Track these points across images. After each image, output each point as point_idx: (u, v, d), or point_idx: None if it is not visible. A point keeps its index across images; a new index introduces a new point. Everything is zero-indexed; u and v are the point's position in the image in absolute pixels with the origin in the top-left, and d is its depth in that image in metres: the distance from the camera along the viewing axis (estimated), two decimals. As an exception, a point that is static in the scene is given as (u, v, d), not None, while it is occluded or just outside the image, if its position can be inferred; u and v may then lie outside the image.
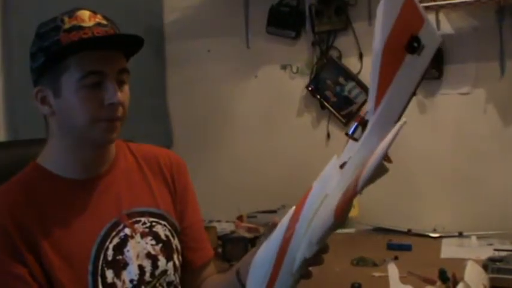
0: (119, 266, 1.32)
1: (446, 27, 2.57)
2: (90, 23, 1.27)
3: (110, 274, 1.30)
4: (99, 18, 1.29)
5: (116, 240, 1.33)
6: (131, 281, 1.32)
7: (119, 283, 1.30)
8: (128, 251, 1.33)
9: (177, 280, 1.43)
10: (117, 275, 1.31)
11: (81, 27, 1.26)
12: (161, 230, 1.40)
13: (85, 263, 1.28)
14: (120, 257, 1.32)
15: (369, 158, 0.93)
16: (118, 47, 1.30)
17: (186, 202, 1.50)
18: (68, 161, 1.34)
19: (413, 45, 1.01)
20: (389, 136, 0.91)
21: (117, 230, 1.34)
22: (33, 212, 1.27)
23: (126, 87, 1.32)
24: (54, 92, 1.28)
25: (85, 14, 1.28)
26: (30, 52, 1.30)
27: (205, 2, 3.03)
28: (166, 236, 1.41)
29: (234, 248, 2.35)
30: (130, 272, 1.32)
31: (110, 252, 1.31)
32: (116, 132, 1.31)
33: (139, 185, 1.43)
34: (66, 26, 1.26)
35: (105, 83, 1.26)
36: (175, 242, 1.43)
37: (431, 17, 2.59)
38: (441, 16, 2.56)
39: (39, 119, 1.36)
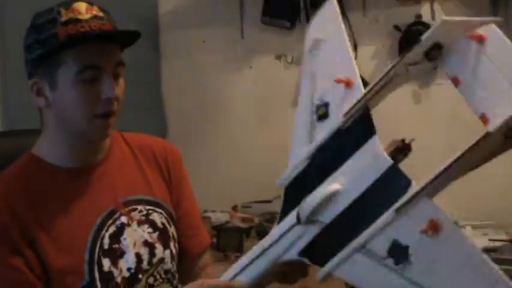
0: (115, 254, 1.32)
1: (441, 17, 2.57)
2: (87, 16, 1.26)
3: (106, 263, 1.30)
4: (95, 11, 1.28)
5: (112, 229, 1.33)
6: (129, 269, 1.32)
7: (115, 271, 1.30)
8: (124, 239, 1.33)
9: (174, 268, 1.43)
10: (114, 263, 1.31)
11: (78, 20, 1.25)
12: (158, 218, 1.41)
13: (81, 252, 1.28)
14: (117, 245, 1.32)
15: None
16: (115, 41, 1.30)
17: (181, 191, 1.50)
18: (63, 151, 1.33)
19: None
20: None
21: (113, 218, 1.34)
22: (29, 202, 1.27)
23: (121, 81, 1.32)
24: (50, 84, 1.27)
25: (82, 6, 1.27)
26: (26, 43, 1.29)
27: (200, -7, 3.02)
28: (163, 224, 1.41)
29: (229, 238, 2.36)
30: (128, 261, 1.33)
31: (106, 241, 1.31)
32: (111, 128, 1.32)
33: (135, 174, 1.43)
34: (63, 18, 1.25)
35: (102, 77, 1.26)
36: (171, 230, 1.43)
37: (426, 6, 2.61)
38: (436, 6, 2.57)
39: (34, 110, 1.36)
